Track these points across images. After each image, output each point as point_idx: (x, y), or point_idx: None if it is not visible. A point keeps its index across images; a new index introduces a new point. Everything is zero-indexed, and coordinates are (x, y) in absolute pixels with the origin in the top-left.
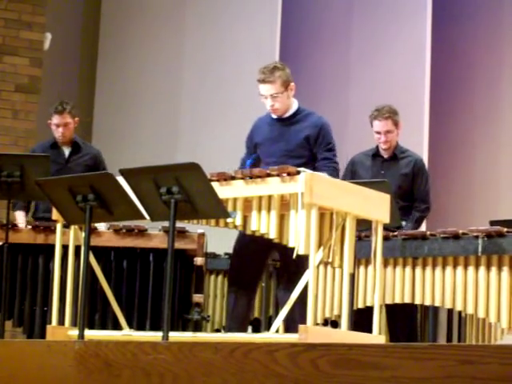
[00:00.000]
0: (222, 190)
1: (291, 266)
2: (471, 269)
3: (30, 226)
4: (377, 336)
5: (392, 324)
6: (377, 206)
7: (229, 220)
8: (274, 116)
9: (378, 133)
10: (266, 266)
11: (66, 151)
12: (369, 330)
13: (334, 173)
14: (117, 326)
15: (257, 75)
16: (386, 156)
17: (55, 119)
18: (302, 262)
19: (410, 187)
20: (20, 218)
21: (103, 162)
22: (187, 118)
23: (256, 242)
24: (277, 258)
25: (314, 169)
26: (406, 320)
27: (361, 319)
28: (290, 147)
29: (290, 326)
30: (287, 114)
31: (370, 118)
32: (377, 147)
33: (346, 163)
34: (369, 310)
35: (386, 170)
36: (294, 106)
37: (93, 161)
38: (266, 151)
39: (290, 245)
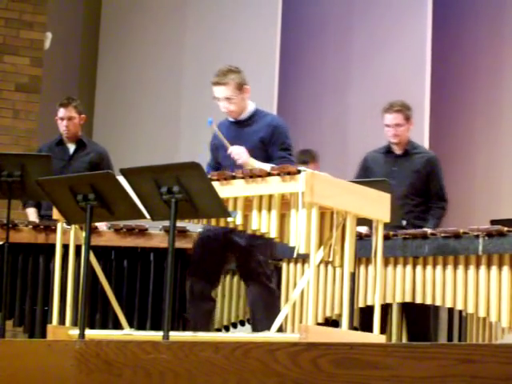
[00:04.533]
0: (223, 190)
1: (247, 274)
2: (472, 268)
3: (30, 226)
4: (377, 335)
5: (410, 324)
6: (377, 205)
7: (229, 219)
8: (231, 119)
9: (388, 126)
10: (226, 265)
11: (71, 148)
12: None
13: None
14: (117, 326)
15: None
16: (398, 152)
17: (60, 112)
18: (256, 266)
19: (423, 184)
20: (32, 215)
21: (109, 161)
22: (188, 118)
23: (216, 240)
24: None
25: None
26: (422, 320)
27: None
28: (246, 149)
29: (256, 326)
30: (243, 117)
31: (382, 111)
32: (389, 144)
33: (360, 162)
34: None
35: (398, 167)
36: (251, 108)
37: (97, 159)
38: (223, 154)
39: (291, 244)
